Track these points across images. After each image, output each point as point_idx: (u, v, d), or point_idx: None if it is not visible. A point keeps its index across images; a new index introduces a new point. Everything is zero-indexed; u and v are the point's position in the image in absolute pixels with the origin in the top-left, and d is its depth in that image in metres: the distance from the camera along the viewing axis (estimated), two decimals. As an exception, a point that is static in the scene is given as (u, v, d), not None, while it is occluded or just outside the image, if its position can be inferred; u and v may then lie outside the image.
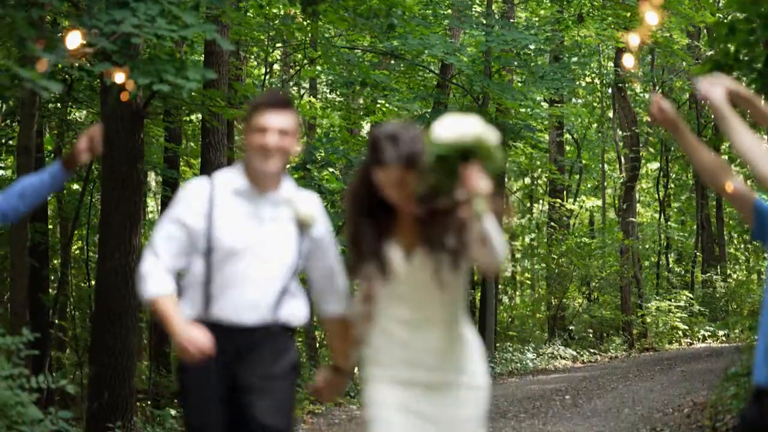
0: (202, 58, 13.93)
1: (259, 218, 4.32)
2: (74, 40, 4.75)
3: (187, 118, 18.05)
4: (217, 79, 13.17)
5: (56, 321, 14.98)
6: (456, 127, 3.77)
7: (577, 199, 30.82)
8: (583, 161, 30.42)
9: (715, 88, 3.66)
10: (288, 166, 4.47)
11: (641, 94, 28.56)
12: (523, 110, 20.48)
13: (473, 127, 3.75)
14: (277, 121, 4.27)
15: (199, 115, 15.78)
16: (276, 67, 22.01)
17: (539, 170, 30.07)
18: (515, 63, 19.55)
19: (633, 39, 3.86)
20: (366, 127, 22.38)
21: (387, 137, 4.07)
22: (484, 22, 18.89)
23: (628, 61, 3.94)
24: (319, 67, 20.87)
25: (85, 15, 8.43)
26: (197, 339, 4.15)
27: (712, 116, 3.54)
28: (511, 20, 20.97)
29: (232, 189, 4.34)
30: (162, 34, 8.37)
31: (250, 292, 4.25)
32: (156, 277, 4.26)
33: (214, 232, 4.27)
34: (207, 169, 14.22)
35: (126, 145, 11.87)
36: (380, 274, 4.15)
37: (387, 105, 20.23)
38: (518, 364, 19.59)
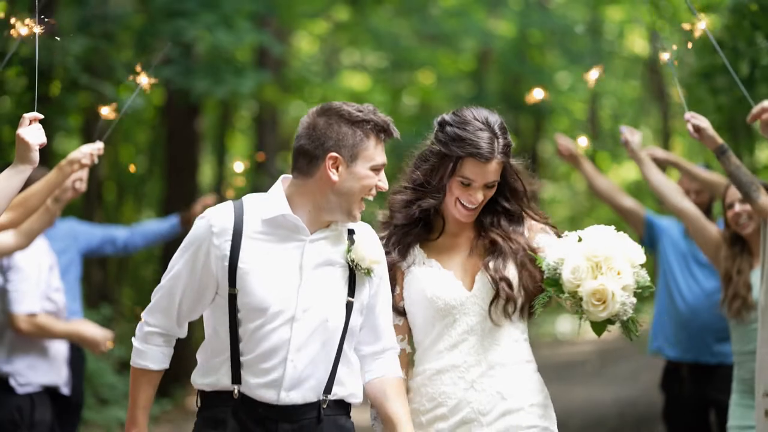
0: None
1: (302, 265, 3.26)
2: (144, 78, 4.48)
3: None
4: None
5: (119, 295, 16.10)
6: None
7: (614, 166, 31.43)
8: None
9: (634, 136, 4.74)
10: None
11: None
12: (561, 89, 21.22)
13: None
14: (384, 156, 3.32)
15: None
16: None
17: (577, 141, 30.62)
18: (553, 44, 20.35)
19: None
20: (406, 100, 22.99)
21: (482, 121, 3.46)
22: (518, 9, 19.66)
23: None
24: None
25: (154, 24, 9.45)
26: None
27: (630, 156, 4.58)
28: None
29: (268, 224, 3.26)
30: (221, 44, 9.40)
31: (292, 366, 3.23)
32: (152, 353, 3.33)
33: (239, 286, 3.21)
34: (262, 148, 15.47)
35: (183, 134, 13.24)
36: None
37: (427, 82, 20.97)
38: (549, 334, 20.13)
